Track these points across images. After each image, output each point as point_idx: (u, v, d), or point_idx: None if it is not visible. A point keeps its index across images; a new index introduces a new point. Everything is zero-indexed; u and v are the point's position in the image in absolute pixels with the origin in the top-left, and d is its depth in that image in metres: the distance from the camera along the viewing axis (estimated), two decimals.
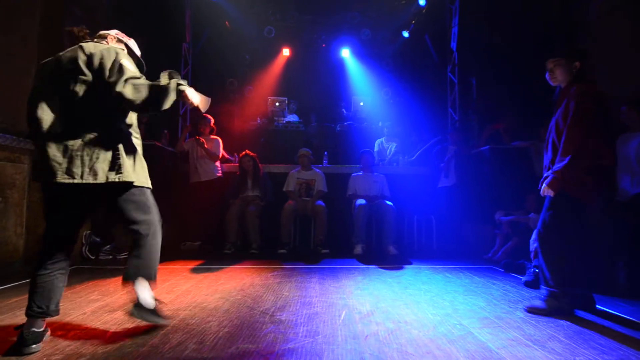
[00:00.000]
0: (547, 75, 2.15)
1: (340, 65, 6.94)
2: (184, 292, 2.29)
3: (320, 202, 4.07)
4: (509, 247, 3.54)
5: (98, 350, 1.44)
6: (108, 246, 3.48)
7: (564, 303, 1.94)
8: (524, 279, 2.67)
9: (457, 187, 4.26)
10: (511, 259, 3.22)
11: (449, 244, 4.29)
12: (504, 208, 3.77)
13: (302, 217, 4.24)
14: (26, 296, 1.48)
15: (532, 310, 1.98)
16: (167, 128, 4.91)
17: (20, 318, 1.68)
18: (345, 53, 6.81)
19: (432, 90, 6.24)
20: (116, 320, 1.78)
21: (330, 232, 4.07)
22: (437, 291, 2.39)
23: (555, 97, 2.16)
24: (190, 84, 5.64)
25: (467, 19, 5.35)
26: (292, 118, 6.03)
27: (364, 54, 6.83)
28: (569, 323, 1.82)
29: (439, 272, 2.99)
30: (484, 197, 4.25)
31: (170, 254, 3.74)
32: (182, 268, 3.05)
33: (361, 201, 3.97)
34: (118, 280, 2.59)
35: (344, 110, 6.32)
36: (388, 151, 5.25)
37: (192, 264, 3.22)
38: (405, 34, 6.50)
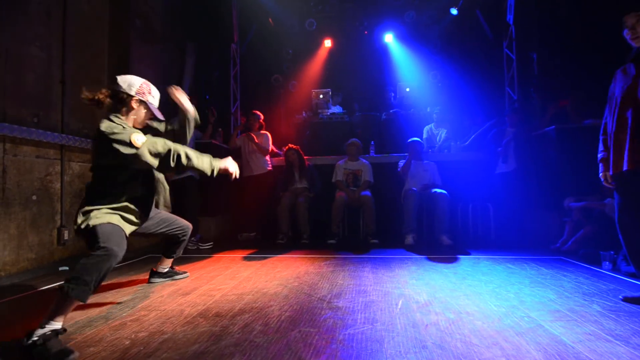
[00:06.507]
0: (627, 34, 1.80)
1: (383, 52, 6.71)
2: (246, 279, 2.44)
3: (367, 193, 4.04)
4: (581, 236, 3.22)
5: (177, 329, 1.60)
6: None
7: None
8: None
9: (517, 172, 3.96)
10: (590, 249, 2.91)
11: (509, 234, 4.01)
12: (573, 193, 3.43)
13: (349, 207, 4.25)
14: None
15: (630, 300, 1.82)
16: (220, 126, 5.18)
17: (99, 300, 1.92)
18: (389, 38, 6.57)
19: (486, 70, 5.79)
20: (189, 302, 1.96)
21: (379, 222, 4.03)
22: (500, 282, 2.27)
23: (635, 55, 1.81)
24: (239, 84, 5.82)
25: None
26: (337, 109, 6.01)
27: (408, 38, 6.53)
28: None
29: (500, 263, 2.83)
30: (548, 183, 3.90)
31: (229, 244, 4.01)
32: (240, 257, 3.24)
33: (411, 189, 3.87)
34: (193, 265, 2.83)
35: (392, 94, 6.10)
36: (438, 138, 5.03)
37: (249, 253, 3.41)
38: (454, 11, 6.07)
